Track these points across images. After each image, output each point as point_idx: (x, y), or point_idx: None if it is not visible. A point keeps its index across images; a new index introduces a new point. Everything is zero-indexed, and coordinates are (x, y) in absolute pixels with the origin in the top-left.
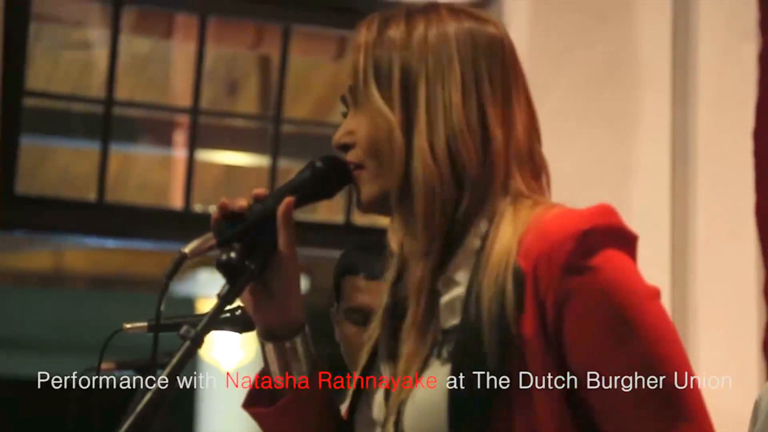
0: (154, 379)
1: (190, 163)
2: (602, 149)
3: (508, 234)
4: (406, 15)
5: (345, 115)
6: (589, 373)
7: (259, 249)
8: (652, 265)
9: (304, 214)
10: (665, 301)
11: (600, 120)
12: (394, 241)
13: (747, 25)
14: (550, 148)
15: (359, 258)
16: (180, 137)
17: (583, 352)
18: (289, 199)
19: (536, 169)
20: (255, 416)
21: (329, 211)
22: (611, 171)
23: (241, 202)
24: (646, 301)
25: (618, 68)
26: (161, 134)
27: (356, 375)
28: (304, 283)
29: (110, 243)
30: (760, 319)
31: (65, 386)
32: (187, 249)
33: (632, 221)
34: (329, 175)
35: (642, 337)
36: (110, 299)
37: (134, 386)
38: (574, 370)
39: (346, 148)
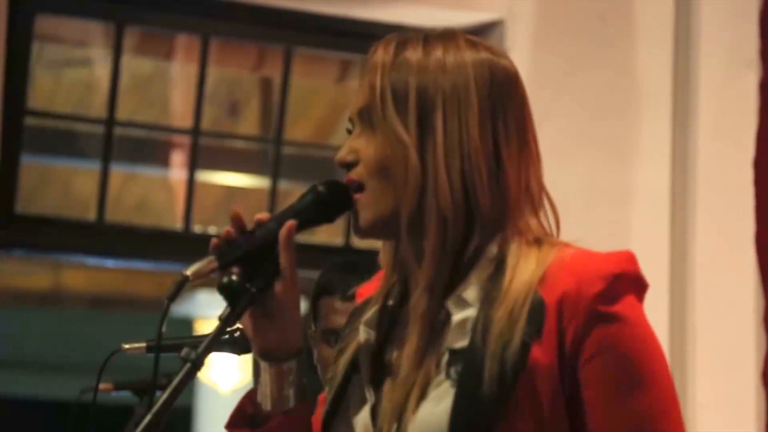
0: (154, 400)
1: (191, 183)
2: (603, 173)
3: (530, 270)
4: (424, 39)
5: (350, 133)
6: (594, 409)
7: (261, 272)
8: (651, 292)
9: (303, 237)
10: (663, 326)
11: (601, 144)
12: (385, 263)
13: (748, 53)
14: (551, 172)
15: (336, 278)
16: (180, 158)
17: (594, 390)
18: (291, 223)
19: (541, 207)
20: None
21: (328, 233)
22: (611, 195)
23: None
24: (658, 357)
25: (619, 93)
26: (162, 155)
27: (329, 395)
28: (303, 305)
29: (110, 263)
30: (759, 347)
31: (63, 406)
32: (189, 271)
33: (631, 245)
34: (331, 199)
35: (649, 390)
36: (109, 319)
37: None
38: (584, 402)
39: (349, 166)
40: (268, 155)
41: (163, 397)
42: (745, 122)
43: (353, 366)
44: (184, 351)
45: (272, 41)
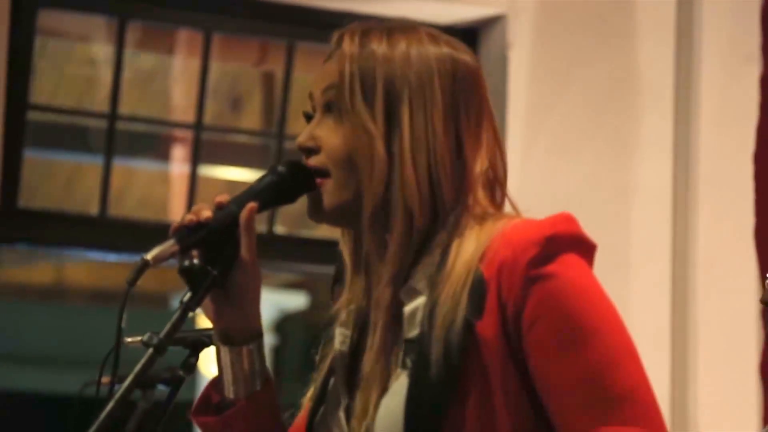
0: (114, 391)
1: (193, 178)
2: (604, 169)
3: (471, 249)
4: (387, 32)
5: (308, 118)
6: (543, 375)
7: (222, 255)
8: (653, 285)
9: (304, 231)
10: (665, 321)
11: (602, 140)
12: (348, 255)
13: (749, 48)
14: (553, 167)
15: None
16: (183, 152)
17: (539, 356)
18: (251, 205)
19: (499, 189)
20: (202, 426)
21: (330, 227)
22: (613, 190)
23: (207, 213)
24: (600, 308)
25: (621, 89)
26: (164, 149)
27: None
28: (305, 300)
29: (112, 257)
30: (759, 339)
31: (65, 400)
32: (149, 256)
33: (633, 240)
34: (292, 180)
35: (594, 344)
36: (111, 314)
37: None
38: (532, 371)
39: (309, 152)
40: (271, 150)
41: (125, 383)
42: (746, 117)
43: (332, 369)
44: (147, 336)
45: (275, 36)
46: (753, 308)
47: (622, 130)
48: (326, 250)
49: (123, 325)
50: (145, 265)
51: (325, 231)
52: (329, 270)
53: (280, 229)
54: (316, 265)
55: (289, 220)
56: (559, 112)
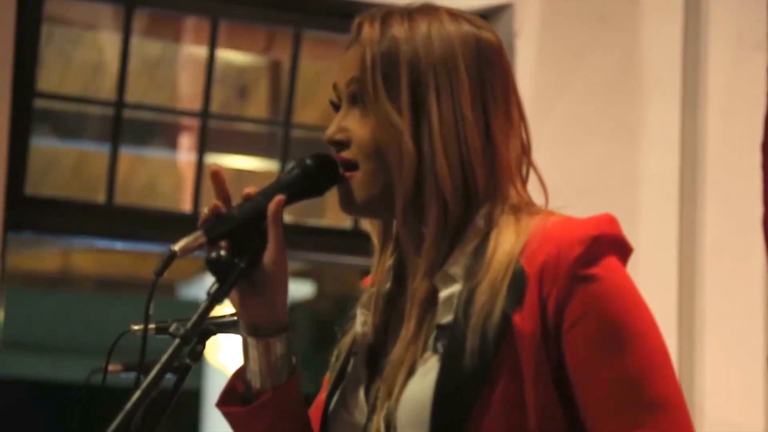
0: (142, 379)
1: (200, 166)
2: (611, 158)
3: (510, 241)
4: (408, 14)
5: (335, 107)
6: (580, 374)
7: (249, 247)
8: (660, 275)
9: (312, 220)
10: (671, 311)
11: (609, 129)
12: (376, 238)
13: (757, 36)
14: (559, 156)
15: None
16: (189, 141)
17: (579, 355)
18: (279, 198)
19: (527, 175)
20: (229, 416)
21: (337, 216)
22: (620, 180)
23: (234, 206)
24: (642, 313)
25: (628, 77)
26: (171, 137)
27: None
28: (311, 289)
29: (119, 245)
30: (766, 328)
31: (72, 387)
32: (176, 247)
33: (640, 230)
34: (319, 173)
35: (635, 348)
36: (118, 301)
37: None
38: (569, 369)
39: (339, 145)
40: (277, 138)
41: (152, 373)
42: (753, 106)
43: (352, 350)
44: (174, 326)
45: (281, 24)
46: (760, 297)
47: (629, 119)
48: (333, 239)
49: (126, 313)
50: (173, 256)
51: (331, 220)
52: (336, 259)
53: (286, 217)
54: (322, 253)
55: (296, 209)
56: (566, 102)
